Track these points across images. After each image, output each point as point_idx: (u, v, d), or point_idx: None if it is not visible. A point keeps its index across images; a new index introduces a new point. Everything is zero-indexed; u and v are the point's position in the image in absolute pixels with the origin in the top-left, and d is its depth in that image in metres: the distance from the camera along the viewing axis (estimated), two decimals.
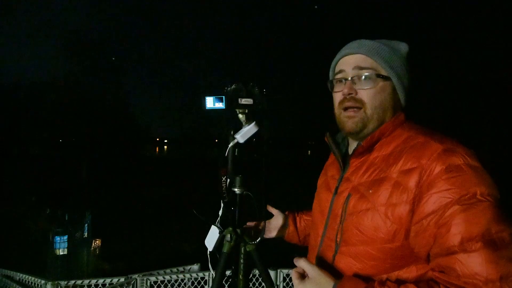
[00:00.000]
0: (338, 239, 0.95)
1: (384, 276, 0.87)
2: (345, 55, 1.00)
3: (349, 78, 0.97)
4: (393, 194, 0.85)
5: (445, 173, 0.79)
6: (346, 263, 0.93)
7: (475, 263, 0.72)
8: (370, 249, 0.88)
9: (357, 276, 0.89)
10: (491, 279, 0.70)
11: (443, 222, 0.77)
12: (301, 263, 0.91)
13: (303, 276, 0.90)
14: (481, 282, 0.70)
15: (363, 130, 0.97)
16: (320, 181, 1.21)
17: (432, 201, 0.79)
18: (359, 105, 0.96)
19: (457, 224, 0.75)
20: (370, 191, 0.90)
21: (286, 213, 1.46)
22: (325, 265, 0.96)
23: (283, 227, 1.42)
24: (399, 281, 0.84)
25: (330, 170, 1.13)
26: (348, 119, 0.98)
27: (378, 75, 0.95)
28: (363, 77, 0.95)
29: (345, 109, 0.98)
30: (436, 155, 0.82)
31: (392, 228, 0.84)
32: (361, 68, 0.95)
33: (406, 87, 0.98)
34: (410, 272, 0.86)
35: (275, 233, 1.43)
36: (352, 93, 0.96)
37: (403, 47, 1.01)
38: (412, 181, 0.83)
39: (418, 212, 0.81)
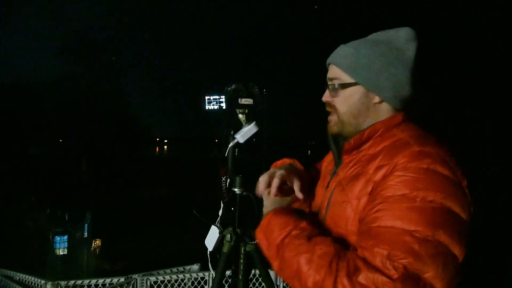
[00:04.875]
0: None
1: None
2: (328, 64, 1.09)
3: (327, 86, 1.06)
4: (363, 188, 0.90)
5: (402, 171, 0.83)
6: None
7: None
8: (340, 240, 0.91)
9: None
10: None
11: (376, 211, 0.82)
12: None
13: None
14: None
15: (341, 133, 1.04)
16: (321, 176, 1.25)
17: (378, 192, 0.84)
18: (333, 110, 1.04)
19: (384, 216, 0.80)
20: (348, 185, 0.95)
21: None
22: None
23: None
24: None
25: (329, 165, 1.17)
26: (328, 123, 1.07)
27: (342, 84, 1.01)
28: (330, 87, 1.03)
29: (328, 113, 1.08)
30: (408, 155, 0.85)
31: (357, 219, 0.89)
32: (330, 79, 1.03)
33: (388, 86, 0.96)
34: None
35: None
36: (328, 100, 1.05)
37: (386, 37, 0.99)
38: (379, 176, 0.87)
39: (367, 201, 0.87)
